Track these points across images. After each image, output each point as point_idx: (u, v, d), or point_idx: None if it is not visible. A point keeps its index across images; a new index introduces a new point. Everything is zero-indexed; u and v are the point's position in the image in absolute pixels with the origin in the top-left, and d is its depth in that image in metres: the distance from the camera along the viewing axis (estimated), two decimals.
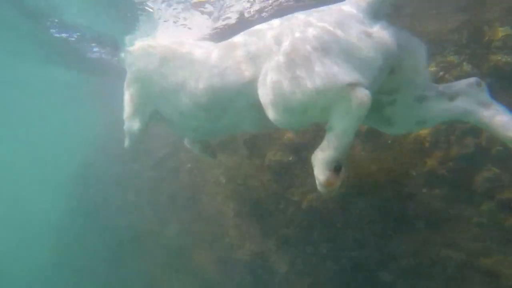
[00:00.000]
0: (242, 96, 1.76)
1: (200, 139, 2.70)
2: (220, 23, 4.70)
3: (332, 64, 1.37)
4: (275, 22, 1.74)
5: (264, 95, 1.56)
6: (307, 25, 1.52)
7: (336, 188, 1.40)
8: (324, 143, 1.42)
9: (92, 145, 9.00)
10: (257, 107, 1.65)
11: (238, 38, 1.86)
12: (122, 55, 3.21)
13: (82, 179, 8.45)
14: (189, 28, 4.74)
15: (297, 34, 1.50)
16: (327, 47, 1.41)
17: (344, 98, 1.33)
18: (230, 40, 1.93)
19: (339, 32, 1.43)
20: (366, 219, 2.77)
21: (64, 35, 5.78)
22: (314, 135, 3.25)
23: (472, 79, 1.61)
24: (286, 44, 1.51)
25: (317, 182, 1.42)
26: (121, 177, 6.79)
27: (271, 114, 1.54)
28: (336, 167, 1.38)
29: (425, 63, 1.62)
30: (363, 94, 1.31)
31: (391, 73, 1.54)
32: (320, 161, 1.40)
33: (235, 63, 1.75)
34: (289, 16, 1.71)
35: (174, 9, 4.18)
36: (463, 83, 1.63)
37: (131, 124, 2.47)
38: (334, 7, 1.60)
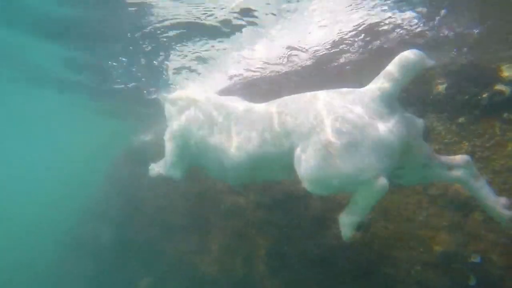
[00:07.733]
0: (278, 162, 2.28)
1: (238, 184, 3.11)
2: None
3: (362, 157, 1.84)
4: (311, 102, 2.13)
5: (302, 171, 2.03)
6: (341, 117, 1.94)
7: (356, 238, 2.11)
8: (349, 211, 2.00)
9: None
10: (289, 168, 2.16)
11: (273, 113, 2.28)
12: (163, 100, 3.27)
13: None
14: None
15: (331, 129, 1.93)
16: (358, 143, 1.85)
17: (368, 184, 1.85)
18: (265, 110, 2.37)
19: (368, 130, 1.87)
20: None
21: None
22: None
23: (467, 157, 2.17)
24: (323, 136, 1.94)
25: (343, 235, 2.01)
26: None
27: (307, 185, 2.04)
28: (358, 228, 1.98)
29: (425, 141, 2.16)
30: (383, 183, 1.83)
31: (402, 154, 1.96)
32: (347, 224, 1.99)
33: (274, 137, 2.22)
34: (322, 96, 2.12)
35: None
36: (458, 158, 2.18)
37: (173, 172, 2.97)
38: (363, 97, 2.01)
